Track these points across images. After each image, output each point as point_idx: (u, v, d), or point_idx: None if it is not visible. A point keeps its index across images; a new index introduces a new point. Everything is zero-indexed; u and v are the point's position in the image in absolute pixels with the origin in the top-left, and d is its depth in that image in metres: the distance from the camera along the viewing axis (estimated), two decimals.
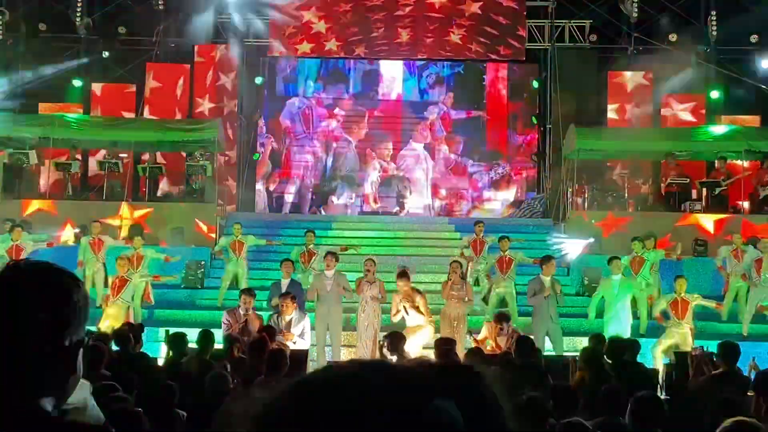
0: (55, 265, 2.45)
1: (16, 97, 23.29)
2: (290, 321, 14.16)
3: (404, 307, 14.68)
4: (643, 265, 17.20)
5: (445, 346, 10.81)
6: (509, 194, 25.99)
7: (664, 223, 20.04)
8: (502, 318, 14.31)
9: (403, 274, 15.36)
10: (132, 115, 23.80)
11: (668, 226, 19.71)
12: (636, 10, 22.40)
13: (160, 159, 23.10)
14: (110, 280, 16.09)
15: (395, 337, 11.25)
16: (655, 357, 14.60)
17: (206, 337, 11.26)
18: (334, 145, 26.18)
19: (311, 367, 12.77)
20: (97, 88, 24.23)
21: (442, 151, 26.21)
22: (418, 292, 15.18)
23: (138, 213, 20.15)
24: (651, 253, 17.57)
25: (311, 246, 17.84)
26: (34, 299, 2.31)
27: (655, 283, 17.26)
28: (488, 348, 13.54)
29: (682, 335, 15.13)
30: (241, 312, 13.99)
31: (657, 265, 17.64)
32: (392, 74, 27.35)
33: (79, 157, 22.38)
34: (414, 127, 26.61)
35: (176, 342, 11.41)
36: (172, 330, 12.77)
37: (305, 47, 24.69)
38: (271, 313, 14.73)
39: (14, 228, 17.63)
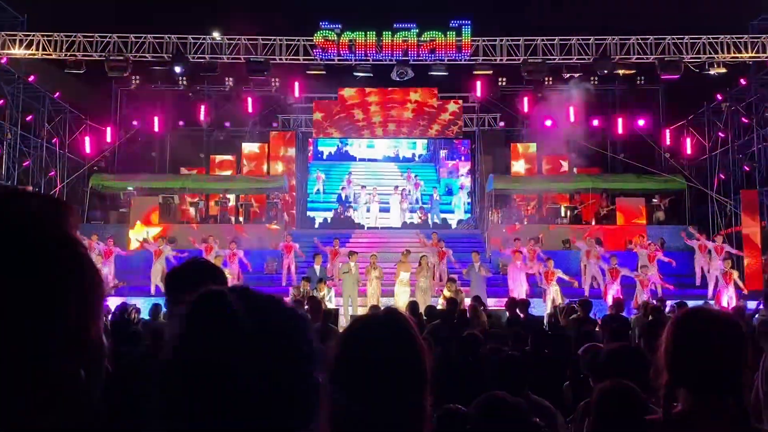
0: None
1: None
2: (323, 295, 14.33)
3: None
4: (536, 255, 17.28)
5: (412, 307, 10.93)
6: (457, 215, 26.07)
7: (544, 230, 20.16)
8: (450, 280, 14.51)
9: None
10: (234, 174, 23.93)
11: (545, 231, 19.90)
12: (526, 106, 22.50)
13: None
14: None
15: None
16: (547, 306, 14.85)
17: None
18: (351, 188, 26.30)
19: (341, 319, 12.96)
20: (213, 158, 24.35)
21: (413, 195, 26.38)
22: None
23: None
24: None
25: (336, 247, 17.84)
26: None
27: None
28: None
29: (554, 291, 15.37)
30: (302, 290, 14.11)
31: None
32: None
33: (204, 198, 22.53)
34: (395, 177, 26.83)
35: None
36: None
37: (333, 131, 24.85)
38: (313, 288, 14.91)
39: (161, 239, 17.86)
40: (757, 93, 21.17)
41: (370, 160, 28.44)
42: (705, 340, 1.88)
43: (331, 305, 13.92)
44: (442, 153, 27.85)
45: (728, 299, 15.26)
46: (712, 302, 14.26)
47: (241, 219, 21.76)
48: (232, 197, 22.49)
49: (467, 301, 12.71)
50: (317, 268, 15.99)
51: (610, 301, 15.17)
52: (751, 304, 13.31)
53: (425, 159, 28.77)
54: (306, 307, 11.24)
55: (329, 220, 24.82)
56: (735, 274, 16.17)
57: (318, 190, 26.46)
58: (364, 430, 1.36)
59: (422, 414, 1.40)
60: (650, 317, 10.69)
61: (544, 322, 12.05)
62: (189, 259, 2.62)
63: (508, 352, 5.36)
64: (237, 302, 0.95)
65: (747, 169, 21.72)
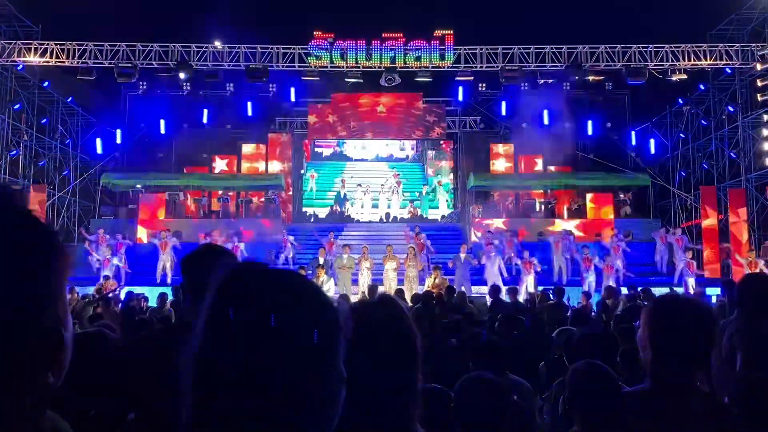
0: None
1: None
2: (322, 281, 14.17)
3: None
4: (512, 246, 17.21)
5: (398, 294, 10.96)
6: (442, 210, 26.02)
7: (522, 223, 20.17)
8: (436, 268, 14.51)
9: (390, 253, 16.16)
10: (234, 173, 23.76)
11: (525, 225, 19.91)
12: (504, 110, 22.50)
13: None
14: None
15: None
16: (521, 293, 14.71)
17: None
18: (346, 186, 26.21)
19: None
20: (216, 158, 24.16)
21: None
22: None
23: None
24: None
25: (331, 239, 17.75)
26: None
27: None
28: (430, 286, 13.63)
29: (528, 279, 15.32)
30: None
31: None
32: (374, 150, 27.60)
33: (206, 195, 22.36)
34: (386, 175, 26.74)
35: None
36: None
37: (326, 133, 24.72)
38: (313, 276, 14.81)
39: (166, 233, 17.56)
40: (715, 98, 21.30)
41: (363, 160, 28.35)
42: (679, 322, 1.95)
43: (330, 293, 13.82)
44: (430, 153, 27.79)
45: (691, 287, 15.33)
46: (679, 289, 14.30)
47: (241, 214, 21.61)
48: (233, 194, 22.36)
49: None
50: (321, 260, 15.91)
51: (585, 287, 15.19)
52: (711, 291, 13.44)
53: (414, 159, 28.71)
54: None
55: (325, 216, 24.71)
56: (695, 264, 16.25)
57: (311, 188, 26.36)
58: (360, 407, 1.33)
59: (414, 391, 1.40)
60: (609, 300, 10.82)
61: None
62: (202, 245, 2.47)
63: (489, 336, 5.34)
64: (267, 278, 0.93)
65: (706, 167, 21.86)
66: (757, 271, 15.14)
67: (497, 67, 19.66)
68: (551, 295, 11.22)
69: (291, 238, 18.14)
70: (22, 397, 0.78)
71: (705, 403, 1.90)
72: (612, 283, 14.55)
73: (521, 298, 13.99)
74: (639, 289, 11.94)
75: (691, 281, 15.62)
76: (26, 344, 0.77)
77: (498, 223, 19.98)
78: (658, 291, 12.66)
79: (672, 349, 1.92)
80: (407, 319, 1.44)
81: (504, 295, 11.51)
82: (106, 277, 14.32)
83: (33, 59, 19.30)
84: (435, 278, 14.07)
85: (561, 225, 19.48)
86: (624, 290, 12.45)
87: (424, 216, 24.55)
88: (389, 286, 14.99)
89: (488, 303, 11.09)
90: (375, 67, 19.84)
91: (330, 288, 14.26)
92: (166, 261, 16.75)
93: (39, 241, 0.81)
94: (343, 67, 19.85)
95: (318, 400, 0.90)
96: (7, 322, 0.76)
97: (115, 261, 16.28)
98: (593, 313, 10.18)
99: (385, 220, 23.83)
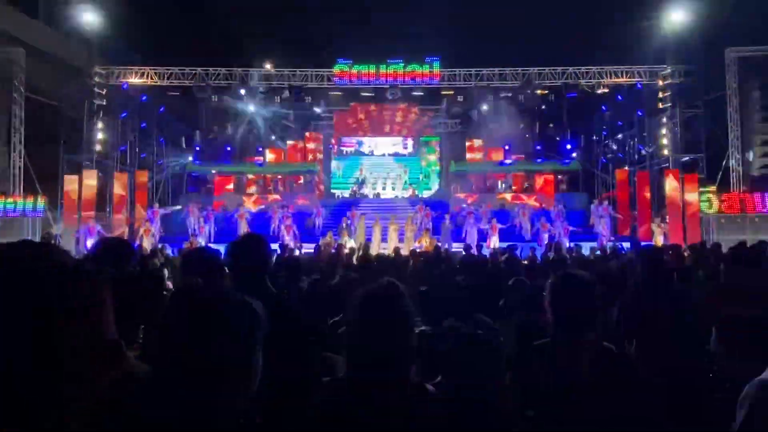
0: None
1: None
2: (345, 240, 14.39)
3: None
4: (486, 213, 16.98)
5: (396, 252, 10.51)
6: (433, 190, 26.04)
7: (488, 197, 20.24)
8: (426, 230, 14.58)
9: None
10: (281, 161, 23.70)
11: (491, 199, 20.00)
12: (476, 115, 22.37)
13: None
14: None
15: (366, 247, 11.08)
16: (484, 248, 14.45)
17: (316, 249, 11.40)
18: (363, 175, 26.24)
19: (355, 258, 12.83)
20: (267, 151, 24.07)
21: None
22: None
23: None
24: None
25: (354, 211, 17.67)
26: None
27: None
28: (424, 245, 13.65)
29: (494, 239, 15.32)
30: (328, 239, 14.18)
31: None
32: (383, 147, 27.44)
33: (262, 178, 22.37)
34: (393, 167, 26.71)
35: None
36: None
37: (347, 132, 24.65)
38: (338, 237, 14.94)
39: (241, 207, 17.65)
40: (629, 105, 21.19)
41: (374, 155, 28.21)
42: (570, 293, 1.91)
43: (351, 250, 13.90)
44: (425, 149, 27.64)
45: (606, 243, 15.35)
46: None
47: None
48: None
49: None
50: (344, 225, 16.11)
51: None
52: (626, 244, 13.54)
53: (413, 154, 28.61)
54: (333, 251, 11.17)
55: (347, 195, 24.80)
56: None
57: (338, 172, 26.38)
58: (370, 362, 1.33)
59: (410, 352, 1.37)
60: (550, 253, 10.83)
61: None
62: (245, 235, 2.29)
63: (463, 284, 5.52)
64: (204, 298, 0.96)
65: (621, 156, 21.87)
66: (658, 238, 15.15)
67: (472, 84, 19.60)
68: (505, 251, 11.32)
69: (322, 210, 18.16)
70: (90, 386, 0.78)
71: (592, 350, 1.90)
72: (548, 240, 14.61)
73: (486, 252, 14.17)
74: (572, 244, 12.04)
75: (605, 240, 15.61)
76: (94, 352, 0.80)
77: (471, 198, 20.06)
78: (587, 245, 12.87)
79: (564, 313, 1.90)
80: (406, 302, 1.40)
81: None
82: (194, 235, 14.43)
83: (134, 80, 19.34)
84: (425, 237, 14.22)
85: (522, 198, 19.49)
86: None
87: (419, 195, 24.68)
88: (391, 244, 15.15)
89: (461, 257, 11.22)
90: (382, 85, 19.84)
91: (351, 245, 14.52)
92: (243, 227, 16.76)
93: (86, 285, 0.78)
94: (358, 85, 19.82)
95: (237, 374, 0.94)
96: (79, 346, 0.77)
97: (206, 227, 16.49)
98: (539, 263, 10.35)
99: (390, 198, 23.92)
